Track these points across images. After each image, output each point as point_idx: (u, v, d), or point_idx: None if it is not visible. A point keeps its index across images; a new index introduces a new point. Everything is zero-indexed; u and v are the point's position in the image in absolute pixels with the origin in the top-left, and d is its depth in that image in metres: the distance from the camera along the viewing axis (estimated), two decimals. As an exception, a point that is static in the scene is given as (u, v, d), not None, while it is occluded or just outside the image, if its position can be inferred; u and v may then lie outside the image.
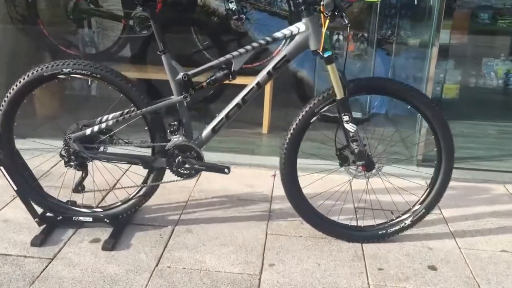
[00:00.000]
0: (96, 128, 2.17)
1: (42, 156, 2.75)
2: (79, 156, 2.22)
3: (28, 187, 2.32)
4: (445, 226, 2.50)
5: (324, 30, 1.97)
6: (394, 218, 2.35)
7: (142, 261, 2.15)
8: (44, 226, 2.33)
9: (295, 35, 2.08)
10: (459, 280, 2.10)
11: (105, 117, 2.20)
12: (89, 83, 2.23)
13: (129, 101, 2.19)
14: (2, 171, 2.25)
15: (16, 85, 2.16)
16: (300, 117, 2.17)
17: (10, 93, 2.16)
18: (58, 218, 2.34)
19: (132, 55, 4.05)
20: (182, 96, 2.15)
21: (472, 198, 2.82)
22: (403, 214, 2.34)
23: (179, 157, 2.21)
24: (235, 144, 3.40)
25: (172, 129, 2.20)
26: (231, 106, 2.18)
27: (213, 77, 2.14)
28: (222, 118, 2.20)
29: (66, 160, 2.22)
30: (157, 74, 3.72)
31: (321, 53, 2.03)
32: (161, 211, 2.56)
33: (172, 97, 2.17)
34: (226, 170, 2.23)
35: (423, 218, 2.32)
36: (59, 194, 2.46)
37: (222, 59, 2.11)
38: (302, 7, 2.03)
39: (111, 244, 2.22)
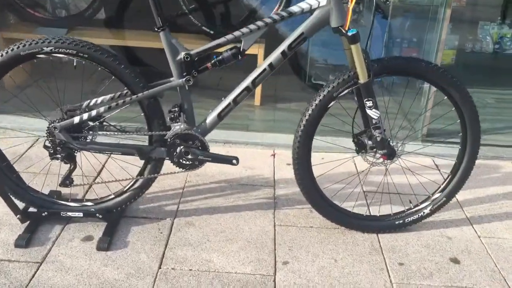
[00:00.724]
0: (85, 116, 1.90)
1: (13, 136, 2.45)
2: (66, 147, 1.95)
3: (7, 180, 2.05)
4: (461, 212, 2.37)
5: (352, 4, 1.73)
6: (412, 207, 2.19)
7: (143, 263, 1.94)
8: (27, 223, 2.08)
9: (314, 9, 1.82)
10: (484, 274, 1.98)
11: (93, 101, 1.93)
12: (75, 64, 1.93)
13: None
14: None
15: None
16: (316, 101, 1.94)
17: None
18: (43, 214, 2.09)
19: (108, 19, 3.70)
20: (184, 79, 1.89)
21: (484, 177, 2.70)
22: (421, 203, 2.19)
23: (181, 146, 1.97)
24: (228, 119, 3.15)
25: (172, 115, 1.94)
26: (239, 90, 1.94)
27: (220, 57, 1.88)
28: (230, 103, 1.95)
29: (52, 152, 1.95)
30: (137, 41, 3.43)
31: (344, 31, 1.79)
32: (157, 200, 2.34)
33: (172, 79, 1.91)
34: (234, 161, 2.00)
35: (443, 206, 2.17)
36: (43, 186, 2.19)
37: (230, 36, 1.85)
38: (325, -22, 1.77)
39: (107, 243, 2.00)
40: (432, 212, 2.17)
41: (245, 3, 3.47)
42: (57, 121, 1.92)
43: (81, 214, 2.10)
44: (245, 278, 1.89)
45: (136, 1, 3.53)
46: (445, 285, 1.91)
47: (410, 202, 2.21)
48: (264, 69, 1.90)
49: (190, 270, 1.92)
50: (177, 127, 1.95)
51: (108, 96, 1.95)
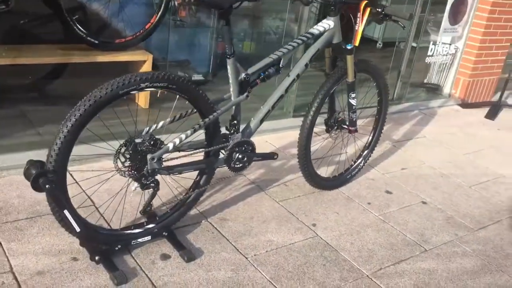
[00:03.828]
0: (177, 141, 2.03)
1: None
2: (153, 174, 2.03)
3: (82, 226, 1.97)
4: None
5: (362, 26, 2.41)
6: (353, 164, 3.07)
7: (231, 258, 2.24)
8: (103, 262, 2.05)
9: (326, 31, 2.43)
10: (407, 194, 3.05)
11: (153, 127, 2.01)
12: (158, 95, 1.96)
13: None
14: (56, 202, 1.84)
15: (82, 108, 1.79)
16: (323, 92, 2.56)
17: (74, 118, 1.78)
18: (116, 248, 2.09)
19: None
20: (245, 95, 2.23)
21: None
22: (357, 159, 3.08)
23: (238, 153, 2.30)
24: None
25: (233, 129, 2.25)
26: (276, 97, 2.39)
27: (267, 73, 2.29)
28: (269, 110, 2.38)
29: (143, 182, 2.00)
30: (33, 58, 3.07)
31: (343, 45, 2.47)
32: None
33: (238, 98, 2.21)
34: (275, 157, 2.45)
35: (369, 159, 3.13)
36: (110, 222, 2.14)
37: (275, 56, 2.28)
38: (332, 7, 2.39)
39: (190, 253, 2.19)
40: (364, 164, 3.10)
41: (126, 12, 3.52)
42: (146, 151, 1.98)
43: (149, 237, 2.18)
44: (305, 243, 2.43)
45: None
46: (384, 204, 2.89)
47: (352, 161, 3.08)
48: (294, 79, 2.41)
49: (267, 251, 2.33)
50: (236, 136, 2.28)
51: (167, 120, 2.11)
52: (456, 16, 4.66)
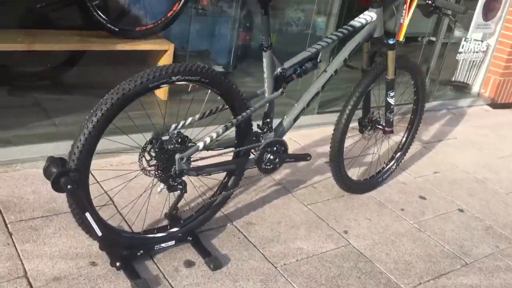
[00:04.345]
0: (208, 140, 1.87)
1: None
2: (181, 175, 1.87)
3: (103, 226, 1.81)
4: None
5: (408, 20, 2.22)
6: (385, 166, 2.89)
7: (260, 267, 2.08)
8: (124, 269, 1.89)
9: (367, 23, 2.24)
10: (442, 200, 2.87)
11: (181, 123, 1.85)
12: (189, 89, 1.80)
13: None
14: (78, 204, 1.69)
15: (109, 102, 1.62)
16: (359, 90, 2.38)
17: (100, 112, 1.61)
18: (138, 254, 1.93)
19: None
20: (280, 91, 2.05)
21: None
22: (389, 162, 2.90)
23: (269, 154, 2.13)
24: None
25: (266, 128, 2.08)
26: (311, 94, 2.21)
27: (303, 68, 2.11)
28: (304, 107, 2.21)
29: (171, 183, 1.84)
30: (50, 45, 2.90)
31: (384, 40, 2.29)
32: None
33: (273, 94, 2.04)
34: (308, 158, 2.28)
35: (403, 160, 2.95)
36: (132, 225, 1.99)
37: (313, 50, 2.10)
38: (378, -2, 2.20)
39: (217, 261, 2.03)
40: (396, 167, 2.92)
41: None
42: (174, 150, 1.82)
43: (173, 242, 2.03)
44: (338, 252, 2.26)
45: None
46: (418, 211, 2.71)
47: (384, 163, 2.90)
48: (331, 75, 2.23)
49: (297, 260, 2.17)
50: (269, 136, 2.11)
51: (196, 116, 1.94)
52: (489, 12, 4.44)
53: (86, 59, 3.22)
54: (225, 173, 2.13)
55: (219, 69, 4.05)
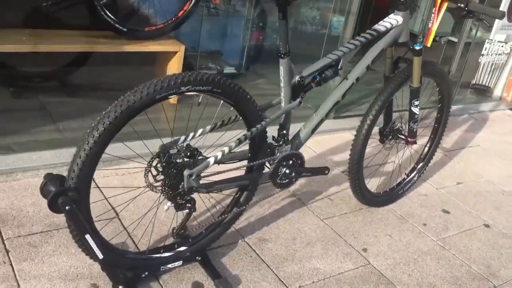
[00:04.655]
0: (219, 155, 1.72)
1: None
2: (190, 193, 1.72)
3: (104, 247, 1.67)
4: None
5: (436, 24, 2.05)
6: (406, 178, 2.72)
7: (275, 291, 1.93)
8: (127, 291, 1.76)
9: (392, 28, 2.08)
10: (469, 216, 2.70)
11: (190, 135, 1.71)
12: (200, 101, 1.66)
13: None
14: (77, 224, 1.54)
15: (112, 115, 1.48)
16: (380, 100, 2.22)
17: (102, 126, 1.47)
18: (142, 276, 1.79)
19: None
20: (298, 101, 1.90)
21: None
22: (410, 173, 2.74)
23: (285, 168, 1.98)
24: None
25: (282, 140, 1.93)
26: (330, 104, 2.06)
27: (323, 76, 1.95)
28: (323, 119, 2.05)
29: (178, 202, 1.70)
30: (55, 46, 2.77)
31: (411, 46, 2.12)
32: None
33: (290, 104, 1.88)
34: (326, 172, 2.13)
35: (424, 171, 2.78)
36: (137, 244, 1.85)
37: (333, 56, 1.94)
38: (403, 0, 2.03)
39: (227, 284, 1.89)
40: (418, 178, 2.75)
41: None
42: (183, 165, 1.67)
43: (180, 262, 1.89)
44: (357, 273, 2.11)
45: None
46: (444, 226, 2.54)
47: (405, 174, 2.74)
48: (353, 83, 2.07)
49: (313, 282, 2.02)
50: (285, 148, 1.95)
51: (207, 128, 1.80)
52: (513, 13, 4.25)
53: (94, 60, 3.09)
54: (236, 188, 1.98)
55: (231, 70, 3.91)
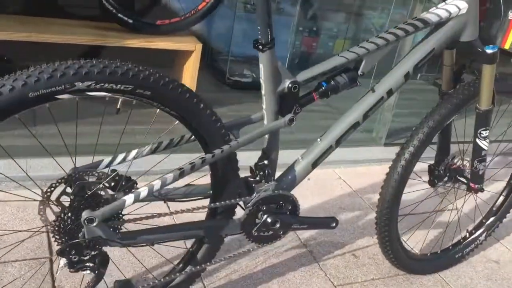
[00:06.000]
0: (156, 185, 1.12)
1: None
2: (95, 246, 1.13)
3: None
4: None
5: None
6: (468, 236, 1.97)
7: None
8: None
9: (451, 18, 1.38)
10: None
11: (118, 158, 1.16)
12: (118, 107, 1.09)
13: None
14: None
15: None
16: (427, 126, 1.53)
17: None
18: None
19: None
20: (288, 118, 1.26)
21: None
22: (475, 230, 1.98)
23: (266, 214, 1.33)
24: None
25: (261, 174, 1.29)
26: (344, 127, 1.39)
27: (332, 84, 1.30)
28: (331, 146, 1.39)
29: (75, 259, 1.11)
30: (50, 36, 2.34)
31: (480, 48, 1.41)
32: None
33: (274, 122, 1.25)
34: (332, 225, 1.45)
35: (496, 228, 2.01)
36: None
37: (349, 56, 1.28)
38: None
39: None
40: (486, 238, 1.98)
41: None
42: (80, 206, 1.09)
43: None
44: None
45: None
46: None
47: (467, 231, 1.98)
48: (382, 97, 1.39)
49: None
50: (267, 187, 1.31)
51: (146, 148, 1.20)
52: None
53: (96, 55, 2.62)
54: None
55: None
